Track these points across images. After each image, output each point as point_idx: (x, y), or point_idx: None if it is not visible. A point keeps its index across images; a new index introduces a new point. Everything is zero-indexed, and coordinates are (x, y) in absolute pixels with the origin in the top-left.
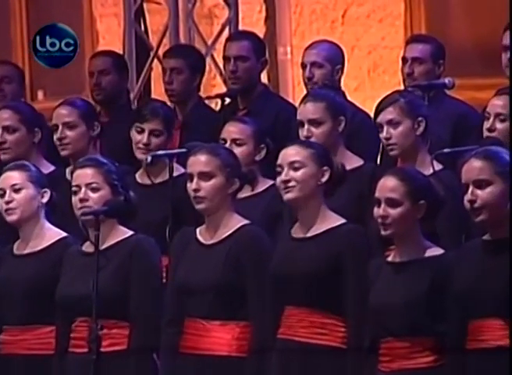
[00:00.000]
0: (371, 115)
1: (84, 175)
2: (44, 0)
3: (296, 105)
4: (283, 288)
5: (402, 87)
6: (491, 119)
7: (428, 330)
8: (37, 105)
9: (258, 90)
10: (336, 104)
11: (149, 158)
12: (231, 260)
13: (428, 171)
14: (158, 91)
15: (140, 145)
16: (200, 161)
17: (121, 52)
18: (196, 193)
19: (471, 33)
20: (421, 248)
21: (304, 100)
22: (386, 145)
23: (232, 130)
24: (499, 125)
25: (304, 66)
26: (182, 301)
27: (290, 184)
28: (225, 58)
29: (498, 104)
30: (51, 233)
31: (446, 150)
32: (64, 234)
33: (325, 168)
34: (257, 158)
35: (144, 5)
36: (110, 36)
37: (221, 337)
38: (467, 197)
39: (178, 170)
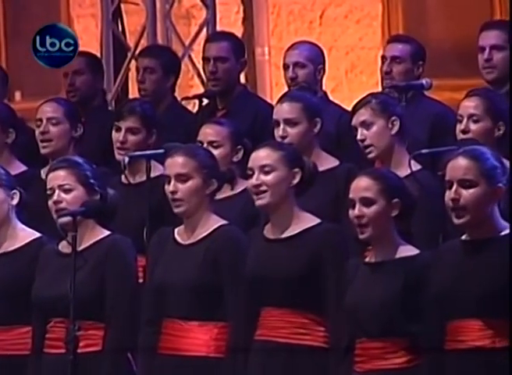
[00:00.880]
0: None
1: (57, 177)
2: (22, 0)
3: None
4: (261, 290)
5: (380, 88)
6: (464, 121)
7: (402, 330)
8: (14, 105)
9: (237, 90)
10: (313, 105)
11: (126, 159)
12: (208, 260)
13: (406, 171)
14: (135, 92)
15: (118, 144)
16: (177, 163)
17: (98, 53)
18: (173, 195)
19: (448, 34)
20: (396, 248)
21: (280, 100)
22: (363, 148)
23: (208, 133)
24: (473, 126)
25: (286, 66)
26: (160, 302)
27: (261, 189)
28: (205, 59)
29: (470, 105)
30: (25, 234)
31: (424, 150)
32: (38, 235)
33: (296, 170)
34: (235, 159)
35: (122, 5)
36: (87, 37)
37: (199, 338)
38: (451, 195)
39: (159, 170)
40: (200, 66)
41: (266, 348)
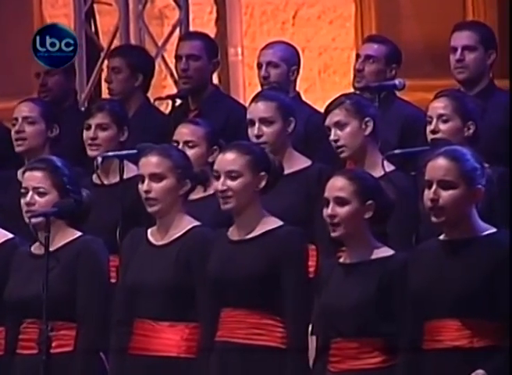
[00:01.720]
0: None
1: (33, 178)
2: None
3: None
4: (222, 291)
5: (351, 87)
6: (434, 122)
7: (377, 330)
8: None
9: (209, 91)
10: (287, 105)
11: (99, 159)
12: (181, 261)
13: (380, 172)
14: None
15: (89, 141)
16: (151, 162)
17: None
18: (147, 194)
19: (421, 35)
20: (371, 249)
21: (254, 99)
22: (336, 148)
23: (184, 132)
24: (442, 126)
25: (259, 65)
26: (131, 302)
27: (227, 194)
28: (177, 57)
29: (439, 106)
30: None
31: (397, 151)
32: (10, 236)
33: (262, 174)
34: (210, 159)
35: (95, 6)
36: None
37: (170, 338)
38: (430, 195)
39: (132, 171)
40: (173, 67)
41: (225, 349)
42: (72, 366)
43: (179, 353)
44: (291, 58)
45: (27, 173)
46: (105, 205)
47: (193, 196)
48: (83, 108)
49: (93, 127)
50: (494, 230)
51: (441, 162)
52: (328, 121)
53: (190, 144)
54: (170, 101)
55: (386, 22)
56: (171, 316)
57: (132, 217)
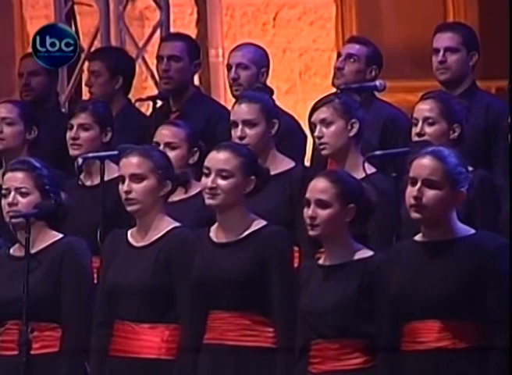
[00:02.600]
0: (297, 118)
1: (15, 178)
2: None
3: (229, 107)
4: (209, 293)
5: (333, 90)
6: (419, 124)
7: (358, 331)
8: None
9: (190, 92)
10: (271, 106)
11: (80, 161)
12: (160, 263)
13: (361, 174)
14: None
15: (71, 141)
16: (131, 163)
17: None
18: (127, 195)
19: (401, 36)
20: (350, 250)
21: (238, 101)
22: (318, 144)
23: (165, 134)
24: (428, 129)
25: (229, 67)
26: (112, 304)
27: (216, 192)
28: (159, 58)
29: (424, 108)
30: None
31: (377, 152)
32: None
33: (251, 177)
34: (191, 161)
35: (75, 7)
36: None
37: (150, 340)
38: (413, 192)
39: (114, 172)
40: (154, 68)
41: (215, 351)
42: (57, 367)
43: (159, 355)
44: (260, 60)
45: (9, 174)
46: (88, 207)
47: (174, 198)
48: (63, 110)
49: (75, 127)
50: (473, 231)
51: (428, 161)
52: (315, 118)
53: (171, 146)
54: (151, 103)
55: (367, 23)
56: (151, 318)
57: (114, 218)
